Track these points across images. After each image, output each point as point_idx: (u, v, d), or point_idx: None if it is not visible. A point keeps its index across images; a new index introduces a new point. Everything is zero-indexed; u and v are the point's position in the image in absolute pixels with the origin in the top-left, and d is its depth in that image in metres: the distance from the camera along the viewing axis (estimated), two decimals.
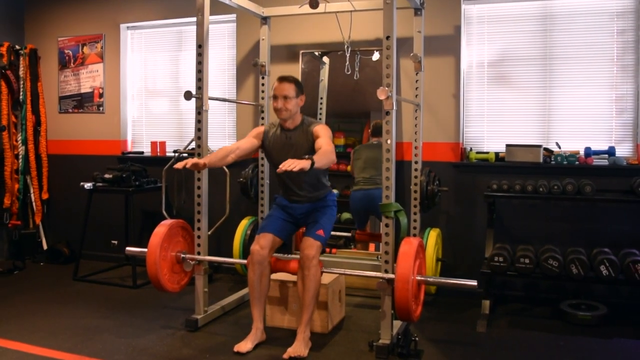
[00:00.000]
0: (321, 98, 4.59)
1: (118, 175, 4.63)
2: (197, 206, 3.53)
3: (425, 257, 3.23)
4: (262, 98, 4.37)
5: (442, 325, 3.58)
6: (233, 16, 4.77)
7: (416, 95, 4.02)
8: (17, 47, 5.33)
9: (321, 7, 3.85)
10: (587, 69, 4.02)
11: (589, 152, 3.89)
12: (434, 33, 4.19)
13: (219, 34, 4.92)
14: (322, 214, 3.28)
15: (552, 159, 4.00)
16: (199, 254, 3.53)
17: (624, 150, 3.96)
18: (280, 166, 2.64)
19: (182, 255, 3.46)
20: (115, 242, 5.24)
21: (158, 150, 5.07)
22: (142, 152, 5.26)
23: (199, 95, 3.47)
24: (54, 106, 5.52)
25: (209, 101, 3.53)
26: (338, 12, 4.14)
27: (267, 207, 4.34)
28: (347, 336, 3.38)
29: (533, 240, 3.93)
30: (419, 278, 2.98)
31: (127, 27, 5.28)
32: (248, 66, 4.65)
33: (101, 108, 5.32)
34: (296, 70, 4.57)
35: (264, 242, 3.19)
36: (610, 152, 3.88)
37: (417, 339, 3.06)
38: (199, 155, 3.47)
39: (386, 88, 2.96)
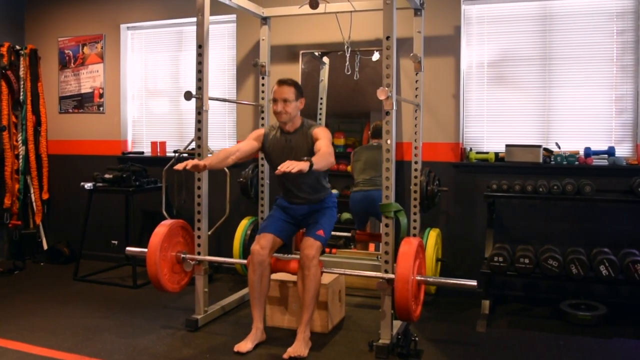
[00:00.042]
0: (321, 98, 4.59)
1: (118, 175, 4.64)
2: (197, 206, 3.54)
3: (425, 257, 3.24)
4: (262, 98, 4.37)
5: (442, 325, 3.58)
6: (233, 16, 4.77)
7: (416, 96, 4.03)
8: (18, 47, 5.34)
9: (321, 8, 3.86)
10: (587, 69, 4.03)
11: (588, 152, 3.89)
12: (433, 33, 4.20)
13: (219, 34, 4.92)
14: (322, 215, 3.29)
15: (552, 159, 4.00)
16: (199, 254, 3.53)
17: (623, 151, 3.97)
18: (279, 167, 2.65)
19: (182, 255, 3.47)
20: (116, 242, 5.24)
21: (158, 150, 5.08)
22: (143, 152, 5.26)
23: (199, 96, 3.47)
24: (54, 106, 5.53)
25: (209, 101, 3.53)
26: (338, 12, 4.14)
27: (267, 207, 4.35)
28: (347, 336, 3.39)
29: (533, 240, 3.93)
30: (418, 278, 2.98)
31: (128, 28, 5.28)
32: (248, 66, 4.66)
33: (101, 108, 5.32)
34: (296, 70, 4.58)
35: (264, 242, 3.19)
36: (610, 152, 3.88)
37: (417, 338, 3.06)
38: (199, 156, 3.47)
39: (386, 88, 2.97)
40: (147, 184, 4.76)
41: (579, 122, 4.06)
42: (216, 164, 3.10)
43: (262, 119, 4.37)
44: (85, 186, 4.67)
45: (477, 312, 3.71)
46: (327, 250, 4.23)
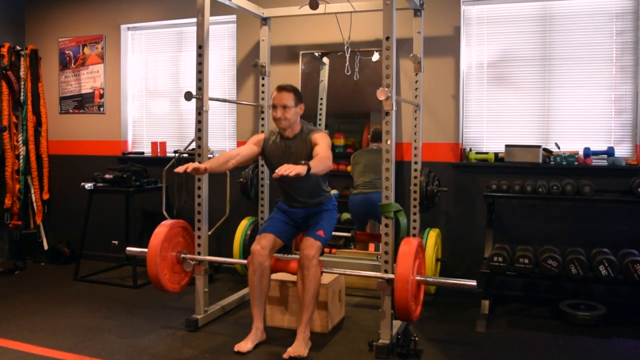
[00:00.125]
0: (321, 99, 4.60)
1: (118, 175, 4.64)
2: (197, 206, 3.54)
3: (424, 257, 3.24)
4: (262, 99, 4.38)
5: (442, 325, 3.59)
6: (233, 17, 4.78)
7: (416, 96, 4.03)
8: (18, 47, 5.35)
9: (321, 8, 3.87)
10: (586, 70, 4.03)
11: (588, 152, 3.90)
12: (433, 34, 4.20)
13: (219, 34, 4.93)
14: (323, 217, 3.30)
15: (552, 160, 4.00)
16: (199, 254, 3.54)
17: (623, 151, 3.97)
18: (277, 171, 2.64)
19: (183, 256, 3.47)
20: (116, 242, 5.25)
21: (158, 150, 5.09)
22: (143, 153, 5.27)
23: (199, 96, 3.48)
24: (54, 107, 5.54)
25: (209, 102, 3.54)
26: (338, 13, 4.15)
27: (267, 208, 4.35)
28: (347, 336, 3.39)
29: (532, 241, 3.94)
30: (418, 278, 2.99)
31: (128, 28, 5.29)
32: (248, 67, 4.66)
33: (102, 109, 5.33)
34: (296, 71, 4.58)
35: (264, 243, 3.20)
36: (609, 152, 3.88)
37: (416, 338, 3.07)
38: (199, 156, 3.48)
39: (386, 89, 2.97)
40: (148, 184, 4.77)
41: (578, 122, 4.07)
42: (217, 168, 3.11)
43: (262, 119, 4.38)
44: (86, 186, 4.68)
45: (476, 312, 3.72)
46: (327, 250, 4.23)
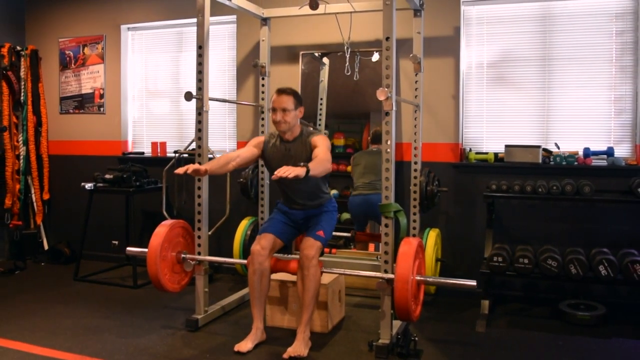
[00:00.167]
0: (321, 99, 4.60)
1: (119, 175, 4.65)
2: (197, 206, 3.55)
3: (424, 257, 3.25)
4: (262, 99, 4.38)
5: (442, 325, 3.59)
6: (233, 17, 4.78)
7: (416, 96, 4.04)
8: (18, 48, 5.35)
9: (321, 9, 3.87)
10: (586, 70, 4.04)
11: (587, 152, 3.90)
12: (433, 34, 4.21)
13: (219, 35, 4.93)
14: (323, 218, 3.30)
15: (551, 160, 4.01)
16: (199, 254, 3.54)
17: (622, 151, 3.97)
18: (276, 172, 2.65)
19: (183, 256, 3.48)
20: (116, 242, 5.25)
21: (158, 150, 5.09)
22: (143, 153, 5.27)
23: (199, 96, 3.48)
24: (55, 107, 5.54)
25: (209, 102, 3.54)
26: (338, 13, 4.15)
27: (267, 208, 4.36)
28: (347, 336, 3.40)
29: (532, 241, 3.94)
30: (418, 278, 2.99)
31: (128, 28, 5.29)
32: (248, 67, 4.67)
33: (102, 109, 5.33)
34: (296, 71, 4.59)
35: (265, 243, 3.20)
36: (609, 152, 3.89)
37: (416, 338, 3.07)
38: (199, 156, 3.49)
39: (386, 89, 2.98)
40: (148, 184, 4.77)
41: (578, 122, 4.07)
42: (217, 169, 3.12)
43: (262, 119, 4.38)
44: (86, 186, 4.68)
45: (476, 312, 3.72)
46: (327, 250, 4.24)
